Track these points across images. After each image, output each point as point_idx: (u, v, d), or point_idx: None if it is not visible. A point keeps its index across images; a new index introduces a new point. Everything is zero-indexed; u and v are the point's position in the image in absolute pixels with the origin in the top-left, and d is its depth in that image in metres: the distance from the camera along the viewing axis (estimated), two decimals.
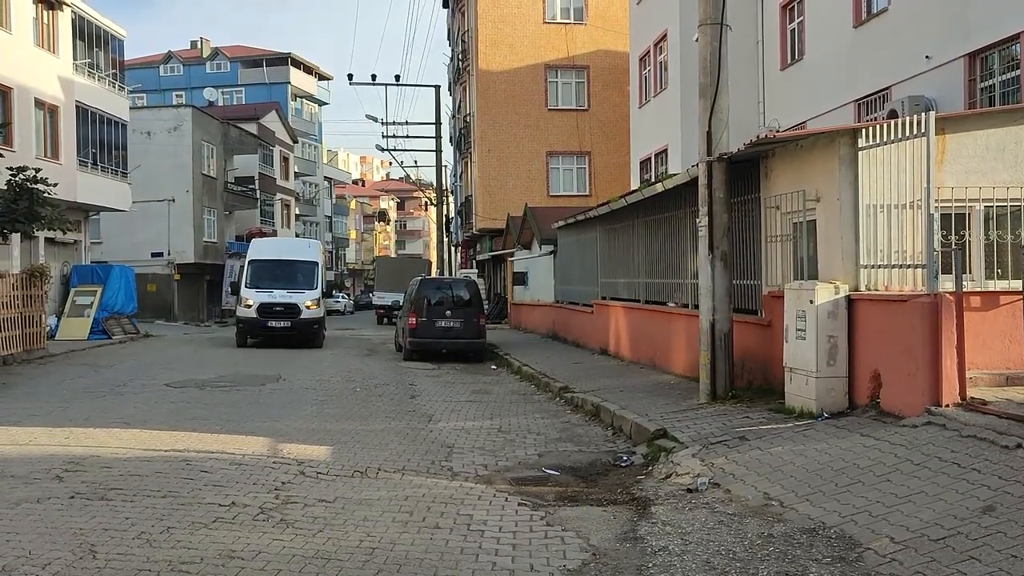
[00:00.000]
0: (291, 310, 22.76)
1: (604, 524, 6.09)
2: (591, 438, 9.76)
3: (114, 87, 29.74)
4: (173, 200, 39.01)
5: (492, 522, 6.13)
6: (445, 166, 42.65)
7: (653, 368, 14.49)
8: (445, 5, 49.80)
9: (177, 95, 62.93)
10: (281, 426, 10.11)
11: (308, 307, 22.99)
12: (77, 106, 26.73)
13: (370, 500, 6.69)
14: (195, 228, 40.37)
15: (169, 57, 67.26)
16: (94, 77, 28.25)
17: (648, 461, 8.16)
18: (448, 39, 49.70)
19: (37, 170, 19.48)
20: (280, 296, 22.89)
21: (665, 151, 24.36)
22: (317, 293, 23.61)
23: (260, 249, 25.28)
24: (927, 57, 14.43)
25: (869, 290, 8.76)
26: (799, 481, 6.59)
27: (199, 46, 68.81)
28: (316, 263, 24.44)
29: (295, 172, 60.49)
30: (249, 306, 22.82)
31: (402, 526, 6.00)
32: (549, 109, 36.25)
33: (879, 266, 8.75)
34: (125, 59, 31.79)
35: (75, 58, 26.89)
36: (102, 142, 28.56)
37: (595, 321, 18.83)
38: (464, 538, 5.75)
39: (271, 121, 53.59)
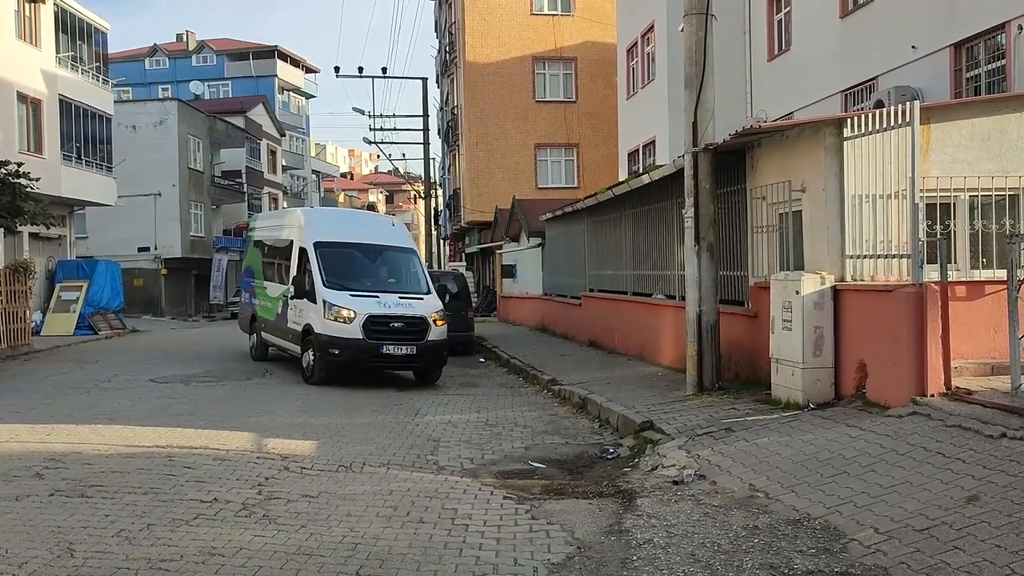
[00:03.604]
0: (416, 328, 13.66)
1: (589, 517, 6.06)
2: (578, 430, 9.74)
3: (98, 80, 29.45)
4: (159, 194, 38.74)
5: (477, 516, 6.10)
6: (433, 159, 42.53)
7: (641, 360, 14.48)
8: None
9: (163, 88, 62.29)
10: (266, 421, 10.03)
11: (436, 323, 13.89)
12: (60, 100, 26.47)
13: (354, 495, 6.64)
14: (182, 223, 40.11)
15: (154, 50, 66.64)
16: (78, 70, 27.97)
17: (634, 453, 8.15)
18: (435, 31, 49.47)
19: (19, 164, 19.29)
20: (395, 306, 13.78)
21: (653, 143, 24.32)
22: (438, 301, 14.83)
23: (323, 225, 15.43)
24: (913, 47, 14.42)
25: (855, 280, 8.76)
26: (785, 472, 6.58)
27: (185, 39, 68.23)
28: (416, 252, 15.99)
29: (283, 166, 60.12)
30: (348, 320, 13.35)
31: (386, 521, 5.95)
32: (537, 101, 36.14)
33: (865, 256, 8.75)
34: (109, 52, 31.51)
35: (58, 51, 26.62)
36: (86, 136, 28.30)
37: (583, 313, 18.81)
38: (448, 532, 5.71)
39: (258, 114, 53.24)
